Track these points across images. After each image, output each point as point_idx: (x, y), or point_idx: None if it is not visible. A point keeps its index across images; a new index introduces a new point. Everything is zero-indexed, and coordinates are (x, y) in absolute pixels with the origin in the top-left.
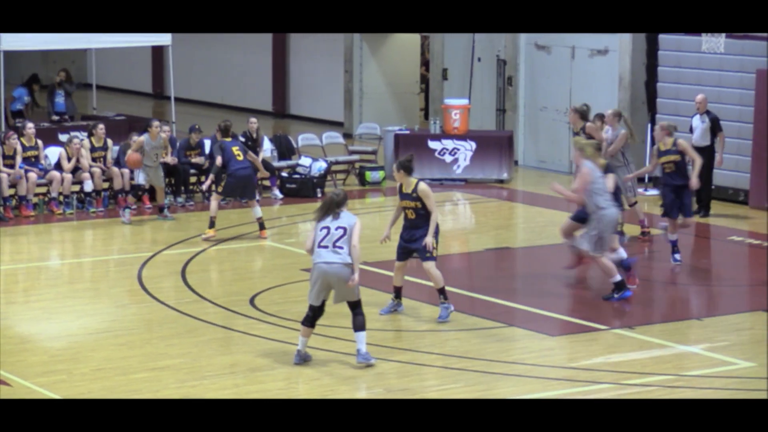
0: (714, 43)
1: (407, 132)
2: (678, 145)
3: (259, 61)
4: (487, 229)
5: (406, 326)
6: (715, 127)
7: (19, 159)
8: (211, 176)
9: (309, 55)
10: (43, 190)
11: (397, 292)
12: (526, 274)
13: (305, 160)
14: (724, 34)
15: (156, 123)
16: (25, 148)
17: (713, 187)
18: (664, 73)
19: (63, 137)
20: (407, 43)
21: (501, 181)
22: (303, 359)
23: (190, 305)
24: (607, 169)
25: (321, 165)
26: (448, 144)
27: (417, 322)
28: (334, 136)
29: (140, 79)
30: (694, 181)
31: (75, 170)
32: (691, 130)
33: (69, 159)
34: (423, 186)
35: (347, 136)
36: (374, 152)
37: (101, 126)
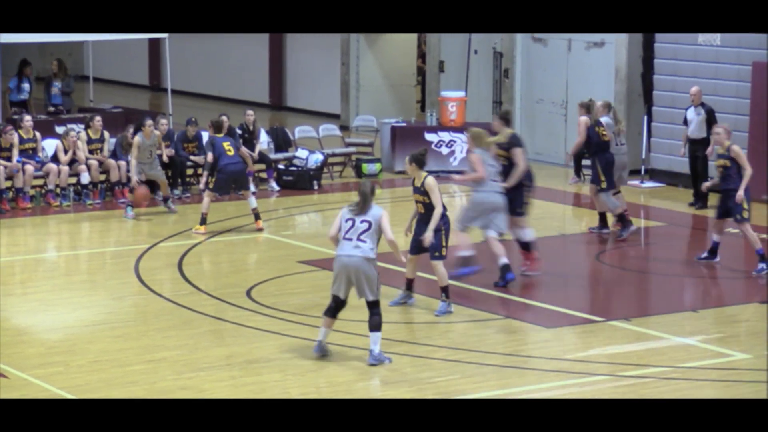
0: (710, 35)
1: (404, 124)
2: (731, 150)
3: (256, 53)
4: None
5: (403, 318)
6: (710, 119)
7: (16, 152)
8: (206, 173)
9: (306, 48)
10: (40, 182)
11: (409, 284)
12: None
13: (302, 153)
14: None
15: (149, 122)
16: (22, 141)
17: (710, 179)
18: (660, 66)
19: (60, 129)
20: (404, 35)
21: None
22: (322, 351)
23: (187, 297)
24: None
25: (318, 157)
26: (445, 136)
27: (414, 314)
28: (330, 129)
29: (137, 72)
30: (740, 194)
31: (72, 162)
32: (685, 123)
33: (66, 151)
34: (429, 180)
35: (344, 128)
36: (371, 144)
37: (98, 118)
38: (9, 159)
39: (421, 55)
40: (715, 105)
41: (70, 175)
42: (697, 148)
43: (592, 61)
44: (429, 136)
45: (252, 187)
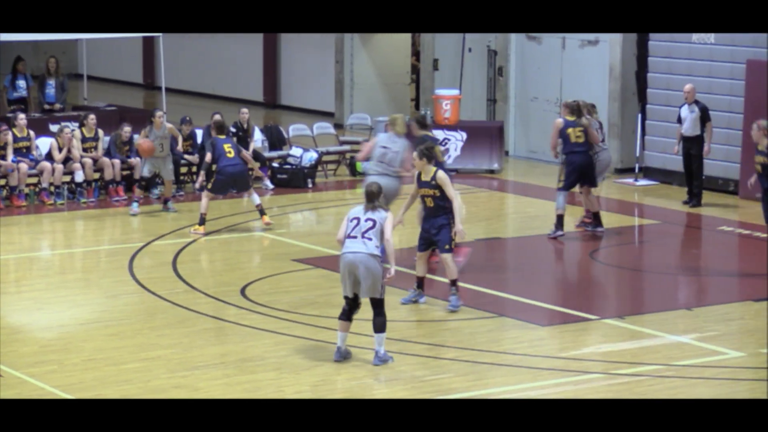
0: (704, 33)
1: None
2: None
3: (250, 51)
4: (478, 219)
5: (397, 317)
6: (704, 117)
7: (10, 151)
8: (202, 173)
9: (300, 46)
10: (34, 180)
11: (420, 283)
12: (517, 265)
13: (296, 151)
14: None
15: (159, 113)
16: (16, 139)
17: (704, 177)
18: (654, 64)
19: (54, 128)
20: (398, 33)
21: (491, 172)
22: (343, 356)
23: (181, 295)
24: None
25: (312, 155)
26: (439, 134)
27: (409, 312)
28: (325, 127)
29: (131, 70)
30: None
31: (66, 161)
32: (679, 120)
33: (60, 149)
34: (441, 173)
35: (338, 126)
36: (365, 142)
37: (92, 116)
38: (3, 158)
39: (416, 53)
40: (710, 103)
41: (65, 174)
42: (691, 145)
43: (586, 59)
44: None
45: (269, 184)
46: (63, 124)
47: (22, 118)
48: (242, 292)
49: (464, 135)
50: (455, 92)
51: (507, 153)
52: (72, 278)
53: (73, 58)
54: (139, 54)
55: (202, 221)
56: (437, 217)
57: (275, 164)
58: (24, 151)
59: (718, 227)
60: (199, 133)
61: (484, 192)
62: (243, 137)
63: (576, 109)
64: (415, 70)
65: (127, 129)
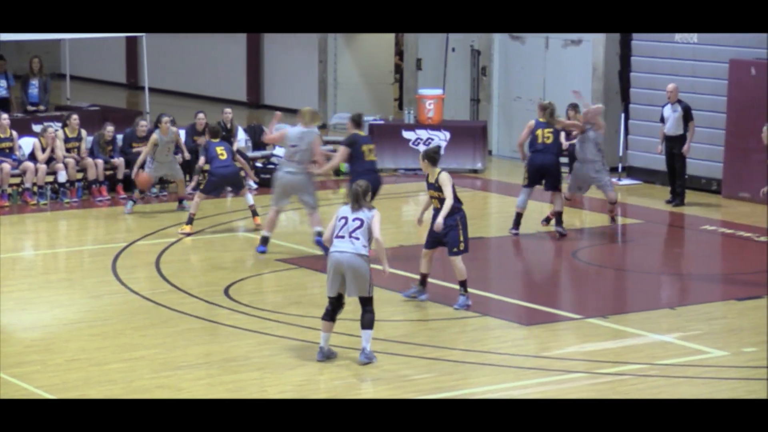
0: (687, 33)
1: (381, 122)
2: None
3: (234, 51)
4: None
5: (380, 316)
6: (687, 117)
7: None
8: (195, 177)
9: (283, 46)
10: (17, 180)
11: (423, 280)
12: (500, 264)
13: (280, 151)
14: None
15: (166, 118)
16: None
17: (686, 176)
18: (637, 63)
19: (37, 128)
20: (381, 33)
21: (475, 171)
22: (326, 356)
23: (165, 295)
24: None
25: None
26: (422, 134)
27: (392, 312)
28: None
29: (114, 70)
30: (763, 190)
31: (49, 161)
32: (662, 120)
33: (43, 150)
34: (443, 175)
35: (321, 126)
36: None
37: (75, 116)
38: None
39: (399, 53)
40: (692, 102)
41: (48, 174)
42: (674, 145)
43: (569, 58)
44: (407, 134)
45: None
46: (46, 124)
47: (5, 118)
48: (226, 292)
49: (448, 135)
50: (439, 92)
51: (490, 153)
52: (55, 278)
53: (56, 58)
54: (122, 54)
55: (190, 221)
56: (445, 218)
57: (259, 164)
58: (7, 151)
59: (701, 226)
60: (182, 133)
61: (467, 191)
62: (226, 137)
63: (546, 109)
64: (399, 69)
65: (110, 129)
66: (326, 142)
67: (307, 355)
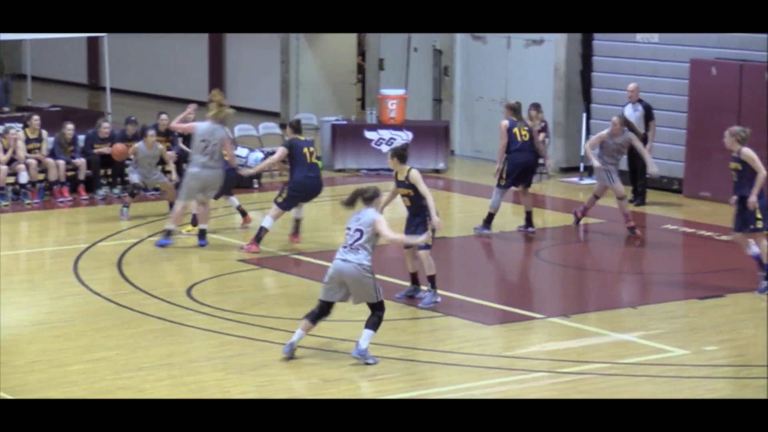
0: (648, 33)
1: (344, 122)
2: (741, 153)
3: (196, 51)
4: None
5: (344, 316)
6: (648, 116)
7: None
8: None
9: (245, 46)
10: None
11: (413, 278)
12: (463, 264)
13: (242, 151)
14: None
15: (152, 132)
16: None
17: (648, 175)
18: (599, 63)
19: None
20: (344, 33)
21: (437, 171)
22: (292, 352)
23: (127, 296)
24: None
25: (258, 156)
26: (385, 134)
27: (355, 312)
28: (270, 127)
29: (75, 70)
30: (752, 200)
31: (10, 162)
32: None
33: (4, 150)
34: (413, 172)
35: (284, 126)
36: (311, 142)
37: (36, 117)
38: None
39: (361, 53)
40: (653, 102)
41: (8, 175)
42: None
43: (531, 58)
44: (369, 134)
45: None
46: (7, 125)
47: None
48: (188, 292)
49: (410, 134)
50: (401, 92)
51: (453, 152)
52: (16, 280)
53: (17, 59)
54: (84, 54)
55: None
56: (415, 216)
57: None
58: None
59: (662, 226)
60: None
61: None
62: (189, 137)
63: (517, 109)
64: (361, 69)
65: (70, 128)
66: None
67: (269, 356)
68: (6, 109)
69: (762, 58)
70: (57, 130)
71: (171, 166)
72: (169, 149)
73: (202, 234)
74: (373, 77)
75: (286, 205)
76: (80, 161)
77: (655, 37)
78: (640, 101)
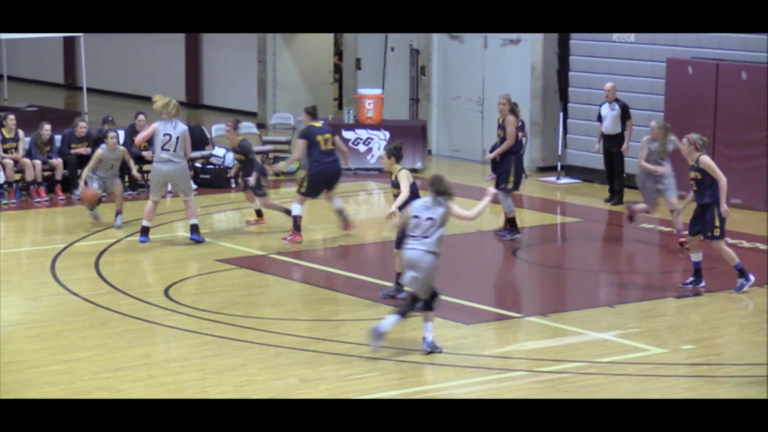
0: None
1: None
2: (700, 162)
3: (172, 51)
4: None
5: (322, 315)
6: (624, 115)
7: None
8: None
9: (222, 45)
10: None
11: (398, 278)
12: (441, 264)
13: (219, 151)
14: None
15: (112, 134)
16: None
17: (625, 175)
18: (575, 62)
19: None
20: (320, 33)
21: (415, 171)
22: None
23: (104, 297)
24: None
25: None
26: (362, 134)
27: (333, 312)
28: (247, 126)
29: (52, 70)
30: (725, 209)
31: None
32: (599, 119)
33: None
34: (402, 172)
35: (261, 126)
36: (288, 142)
37: (12, 117)
38: None
39: (338, 53)
40: (630, 101)
41: None
42: (612, 144)
43: (508, 58)
44: (346, 134)
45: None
46: None
47: None
48: (166, 292)
49: (387, 134)
50: (378, 91)
51: (430, 152)
52: None
53: None
54: (60, 54)
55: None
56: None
57: (198, 164)
58: None
59: (639, 225)
60: (121, 134)
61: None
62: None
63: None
64: (338, 69)
65: (47, 128)
66: (266, 142)
67: (247, 356)
68: None
69: (738, 57)
70: (33, 130)
71: (134, 168)
72: (146, 149)
73: (194, 229)
74: (350, 77)
75: (309, 194)
76: (57, 161)
77: (631, 36)
78: (617, 100)
